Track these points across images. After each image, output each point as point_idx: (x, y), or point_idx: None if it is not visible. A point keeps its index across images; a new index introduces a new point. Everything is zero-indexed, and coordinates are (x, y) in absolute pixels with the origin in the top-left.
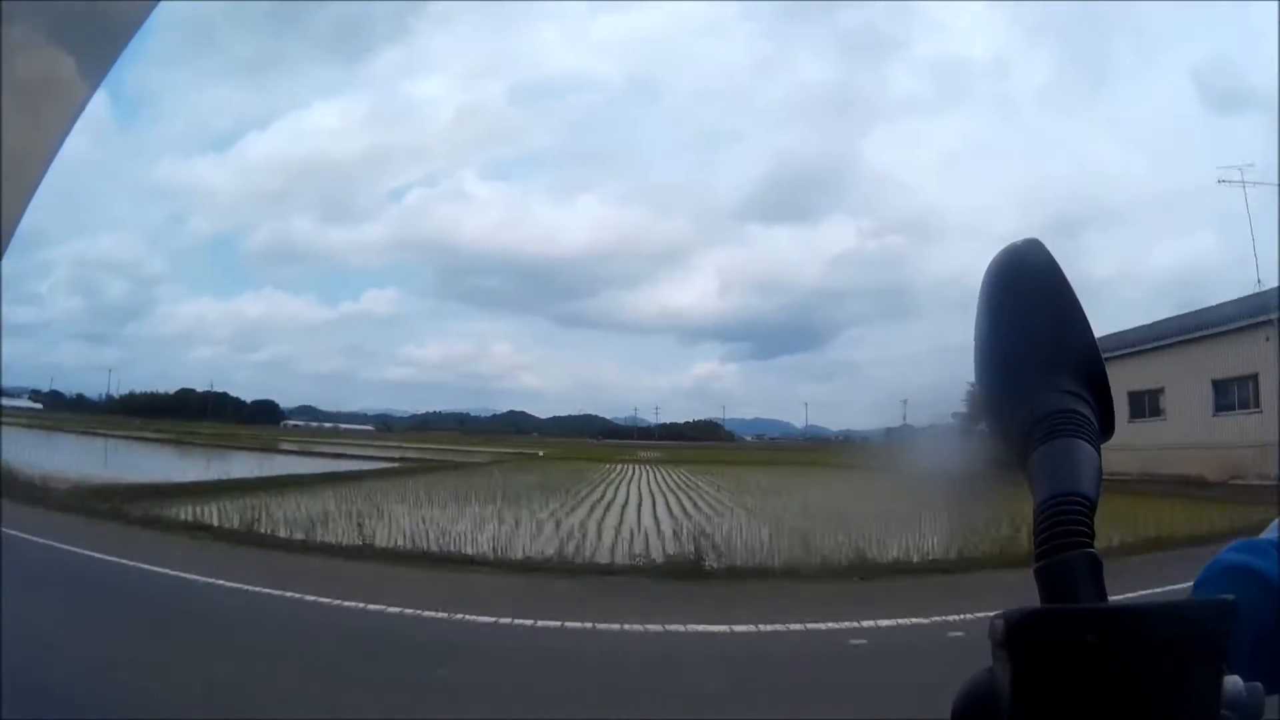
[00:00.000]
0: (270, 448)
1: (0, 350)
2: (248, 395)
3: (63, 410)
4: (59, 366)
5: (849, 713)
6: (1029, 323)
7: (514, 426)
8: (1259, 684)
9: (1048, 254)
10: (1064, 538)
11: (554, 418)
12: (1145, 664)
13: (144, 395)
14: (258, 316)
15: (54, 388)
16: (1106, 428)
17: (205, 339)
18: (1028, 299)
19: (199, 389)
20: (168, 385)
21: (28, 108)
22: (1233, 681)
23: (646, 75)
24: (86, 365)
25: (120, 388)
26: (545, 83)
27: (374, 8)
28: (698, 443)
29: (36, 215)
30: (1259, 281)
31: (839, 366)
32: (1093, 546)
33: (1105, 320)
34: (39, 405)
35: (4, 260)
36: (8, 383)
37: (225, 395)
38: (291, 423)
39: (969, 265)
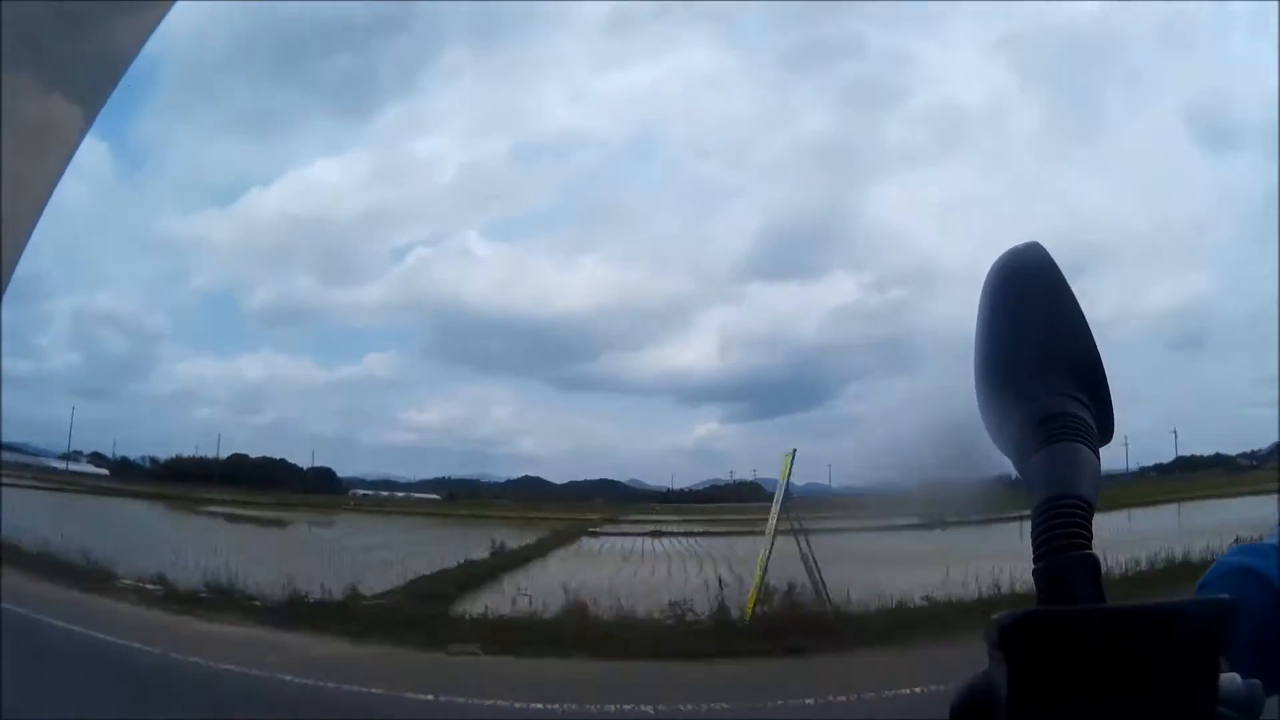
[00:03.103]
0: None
1: (0, 399)
2: (301, 462)
3: (122, 477)
4: (57, 422)
5: None
6: (1028, 326)
7: (530, 492)
8: (1257, 681)
9: (1048, 257)
10: (1062, 539)
11: (570, 483)
12: (1142, 664)
13: (191, 460)
14: (258, 378)
15: (101, 450)
16: (1106, 432)
17: (205, 399)
18: (1027, 302)
19: (252, 455)
20: (170, 447)
21: (23, 148)
22: (1231, 679)
23: (647, 133)
24: (84, 423)
25: (123, 449)
26: (547, 141)
27: (380, 63)
28: (743, 504)
29: (38, 265)
30: None
31: (841, 423)
32: (1091, 548)
33: (1106, 359)
34: (105, 471)
35: (5, 310)
36: (39, 442)
37: (284, 462)
38: (361, 492)
39: (970, 313)
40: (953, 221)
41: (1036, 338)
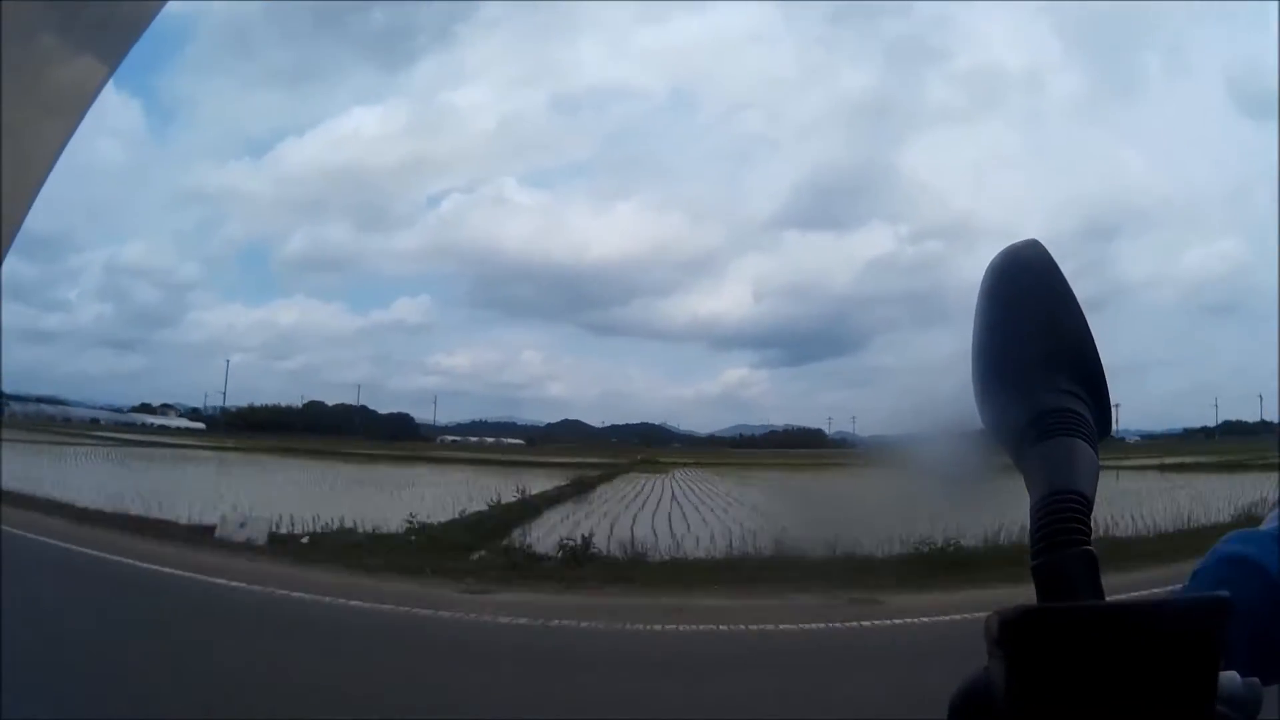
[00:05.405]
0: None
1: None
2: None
3: (214, 431)
4: (84, 374)
5: None
6: (1026, 322)
7: (576, 435)
8: (1256, 679)
9: (1046, 254)
10: (1061, 535)
11: (611, 426)
12: (1141, 661)
13: (264, 409)
14: (289, 324)
15: (186, 402)
16: (1103, 427)
17: (235, 346)
18: (1025, 298)
19: (329, 402)
20: (201, 396)
21: (32, 103)
22: (1229, 677)
23: (686, 84)
24: (111, 373)
25: (153, 396)
26: (586, 92)
27: (418, 15)
28: (806, 450)
29: (68, 221)
30: None
31: (871, 372)
32: (1090, 544)
33: (1138, 321)
34: (202, 425)
35: (31, 267)
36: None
37: (364, 408)
38: (450, 438)
39: None
40: (989, 179)
41: (1034, 334)
